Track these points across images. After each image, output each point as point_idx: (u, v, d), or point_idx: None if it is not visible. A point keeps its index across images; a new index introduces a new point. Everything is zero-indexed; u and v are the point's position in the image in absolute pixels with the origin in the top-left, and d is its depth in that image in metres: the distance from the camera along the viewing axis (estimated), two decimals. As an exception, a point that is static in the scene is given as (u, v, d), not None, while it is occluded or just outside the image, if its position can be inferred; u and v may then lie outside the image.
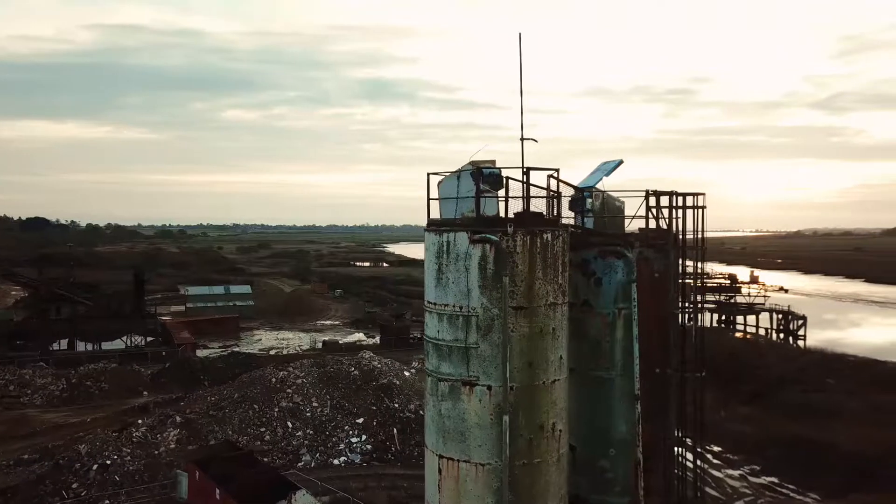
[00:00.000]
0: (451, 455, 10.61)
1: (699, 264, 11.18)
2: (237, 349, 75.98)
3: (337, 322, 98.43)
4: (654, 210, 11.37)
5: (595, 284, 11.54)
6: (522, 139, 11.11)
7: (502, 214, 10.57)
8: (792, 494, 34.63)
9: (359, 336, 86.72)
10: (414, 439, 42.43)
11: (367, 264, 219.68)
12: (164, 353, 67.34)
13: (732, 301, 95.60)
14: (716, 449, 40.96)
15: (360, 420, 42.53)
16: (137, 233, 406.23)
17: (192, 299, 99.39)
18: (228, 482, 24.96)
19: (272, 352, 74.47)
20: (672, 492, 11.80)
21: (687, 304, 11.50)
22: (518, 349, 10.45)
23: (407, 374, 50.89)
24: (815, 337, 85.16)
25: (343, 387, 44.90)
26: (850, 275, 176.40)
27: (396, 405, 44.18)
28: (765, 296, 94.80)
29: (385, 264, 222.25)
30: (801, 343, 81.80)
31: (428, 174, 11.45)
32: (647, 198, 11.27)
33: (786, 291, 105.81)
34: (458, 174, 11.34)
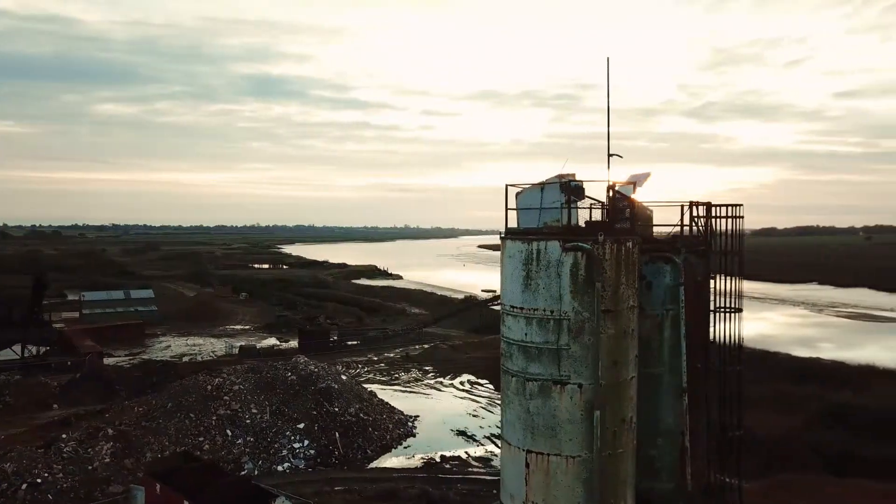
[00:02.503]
0: (541, 450, 11.33)
1: (737, 269, 12.39)
2: (146, 357, 72.64)
3: (247, 326, 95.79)
4: (696, 219, 12.49)
5: (646, 288, 12.56)
6: (609, 155, 12.01)
7: (578, 223, 11.43)
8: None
9: (273, 340, 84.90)
10: (356, 442, 42.52)
11: (266, 266, 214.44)
12: (69, 364, 63.31)
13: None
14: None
15: (302, 425, 42.07)
16: (6, 234, 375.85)
17: (89, 305, 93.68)
18: (198, 494, 24.23)
19: (185, 358, 71.71)
20: (708, 475, 13.00)
21: (724, 306, 12.70)
22: (605, 349, 11.35)
23: (344, 377, 50.74)
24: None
25: (281, 392, 44.20)
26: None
27: (337, 409, 44.03)
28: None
29: (285, 266, 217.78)
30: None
31: (506, 185, 12.14)
32: (690, 207, 12.39)
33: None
34: (541, 186, 12.07)
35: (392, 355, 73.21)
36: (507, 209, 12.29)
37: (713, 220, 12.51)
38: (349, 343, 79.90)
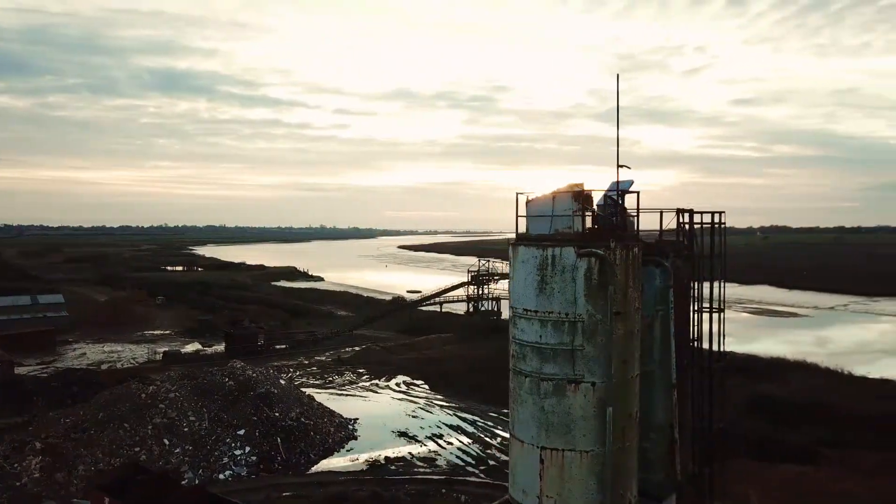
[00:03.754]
0: (556, 446, 11.88)
1: (720, 271, 13.35)
2: (59, 365, 68.89)
3: (167, 331, 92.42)
4: (683, 225, 13.37)
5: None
6: (618, 166, 12.68)
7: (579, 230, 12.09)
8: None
9: (196, 345, 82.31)
10: (299, 447, 42.04)
11: (180, 268, 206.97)
12: (-24, 374, 59.25)
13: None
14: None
15: (242, 431, 41.25)
16: None
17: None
18: (155, 506, 23.43)
19: (104, 366, 68.50)
20: (695, 463, 13.93)
21: (708, 306, 13.65)
22: (616, 349, 12.02)
23: (283, 381, 49.94)
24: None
25: (219, 398, 43.15)
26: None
27: (277, 414, 43.40)
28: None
29: (200, 268, 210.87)
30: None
31: (517, 194, 12.70)
32: (678, 214, 13.26)
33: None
34: (553, 195, 12.65)
35: (323, 358, 72.51)
36: (517, 216, 12.84)
37: (700, 225, 13.39)
38: (278, 347, 78.50)
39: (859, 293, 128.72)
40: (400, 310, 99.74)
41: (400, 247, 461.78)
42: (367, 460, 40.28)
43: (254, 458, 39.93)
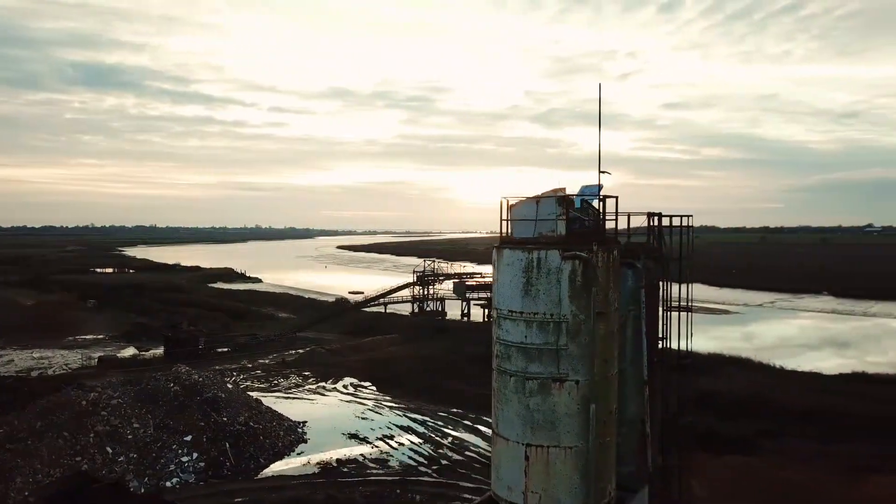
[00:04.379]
0: (541, 442, 12.21)
1: (688, 272, 13.98)
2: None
3: (100, 336, 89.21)
4: (654, 228, 13.93)
5: (612, 291, 13.80)
6: (600, 172, 13.07)
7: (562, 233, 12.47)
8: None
9: (133, 350, 79.76)
10: (248, 452, 41.35)
11: (110, 270, 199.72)
12: None
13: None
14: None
15: (189, 437, 40.29)
16: None
17: None
18: (107, 517, 22.77)
19: (34, 373, 65.65)
20: (663, 456, 14.52)
21: (677, 305, 14.25)
22: (598, 348, 12.42)
23: (230, 386, 48.98)
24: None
25: (165, 404, 42.03)
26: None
27: (225, 419, 42.58)
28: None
29: (131, 270, 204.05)
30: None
31: (501, 199, 12.99)
32: (649, 218, 13.81)
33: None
34: (537, 199, 12.96)
35: (267, 361, 71.38)
36: (501, 220, 13.12)
37: (669, 228, 13.98)
38: (219, 350, 76.85)
39: (785, 290, 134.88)
40: (344, 311, 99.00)
41: (339, 247, 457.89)
42: (318, 463, 39.98)
43: (202, 464, 39.07)
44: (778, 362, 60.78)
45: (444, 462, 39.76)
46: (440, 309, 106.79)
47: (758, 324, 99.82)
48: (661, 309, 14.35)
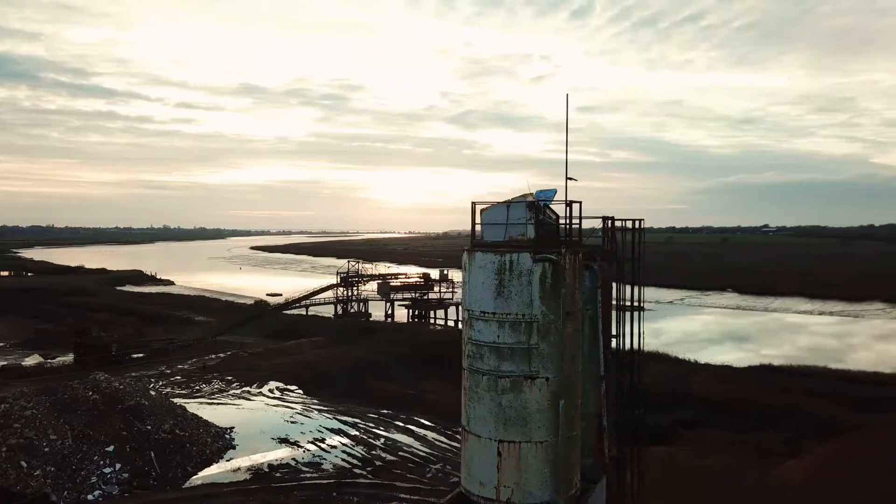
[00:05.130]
0: (513, 438, 12.65)
1: (640, 273, 14.81)
2: None
3: (1, 343, 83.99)
4: (609, 231, 14.69)
5: (570, 291, 14.42)
6: (567, 178, 13.58)
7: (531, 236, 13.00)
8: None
9: (38, 358, 75.45)
10: (174, 460, 40.08)
11: (6, 274, 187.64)
12: None
13: (425, 298, 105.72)
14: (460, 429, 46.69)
15: (111, 448, 38.68)
16: None
17: None
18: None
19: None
20: (618, 447, 15.32)
21: (629, 304, 15.05)
22: (566, 346, 12.96)
23: (153, 392, 47.21)
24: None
25: (84, 414, 40.16)
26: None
27: (149, 427, 41.13)
28: (452, 291, 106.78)
29: (30, 273, 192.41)
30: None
31: (473, 203, 13.34)
32: (604, 221, 14.55)
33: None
34: (507, 204, 13.40)
35: (186, 366, 69.12)
36: (473, 224, 13.53)
37: (622, 231, 14.78)
38: (134, 356, 73.81)
39: (693, 288, 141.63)
40: (265, 314, 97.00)
41: (253, 248, 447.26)
42: (249, 469, 39.20)
43: (125, 475, 37.58)
44: (691, 356, 64.05)
45: (378, 463, 39.83)
46: (364, 310, 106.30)
47: (669, 320, 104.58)
48: (614, 308, 15.11)
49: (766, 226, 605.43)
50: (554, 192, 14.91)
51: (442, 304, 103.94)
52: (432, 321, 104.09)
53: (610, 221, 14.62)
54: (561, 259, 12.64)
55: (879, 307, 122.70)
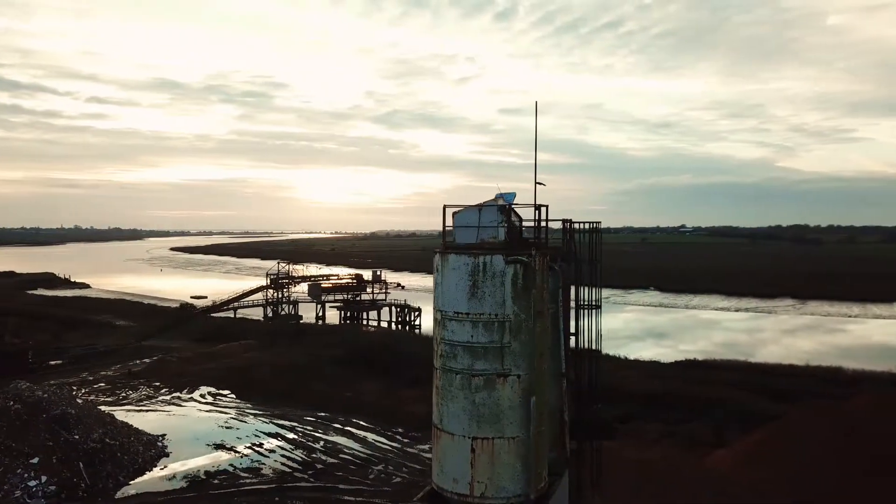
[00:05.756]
0: (487, 435, 12.96)
1: (598, 273, 15.45)
2: None
3: None
4: (568, 233, 15.25)
5: (534, 291, 14.86)
6: (536, 183, 13.98)
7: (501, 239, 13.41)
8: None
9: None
10: (105, 470, 38.61)
11: None
12: None
13: (358, 299, 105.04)
14: (400, 430, 46.80)
15: (36, 460, 36.93)
16: None
17: None
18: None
19: None
20: (578, 441, 15.92)
21: (588, 303, 15.66)
22: (537, 344, 13.40)
23: (80, 401, 45.22)
24: (428, 324, 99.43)
25: (5, 425, 38.16)
26: (431, 270, 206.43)
27: (77, 436, 39.46)
28: (385, 292, 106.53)
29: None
30: (416, 332, 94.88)
31: (444, 206, 13.64)
32: (564, 224, 15.11)
33: (403, 287, 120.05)
34: (479, 207, 13.71)
35: (111, 373, 66.44)
36: (444, 227, 13.81)
37: (580, 233, 15.38)
38: (52, 363, 70.38)
39: (617, 286, 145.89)
40: (192, 317, 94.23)
41: (173, 249, 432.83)
42: (185, 477, 38.18)
43: (52, 487, 35.96)
44: (621, 353, 66.23)
45: (319, 466, 39.53)
46: (294, 312, 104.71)
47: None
48: (574, 307, 15.69)
49: (683, 226, 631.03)
50: (513, 195, 15.37)
51: (375, 305, 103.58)
52: (365, 323, 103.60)
53: (569, 224, 15.20)
54: (532, 261, 13.10)
55: (789, 303, 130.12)
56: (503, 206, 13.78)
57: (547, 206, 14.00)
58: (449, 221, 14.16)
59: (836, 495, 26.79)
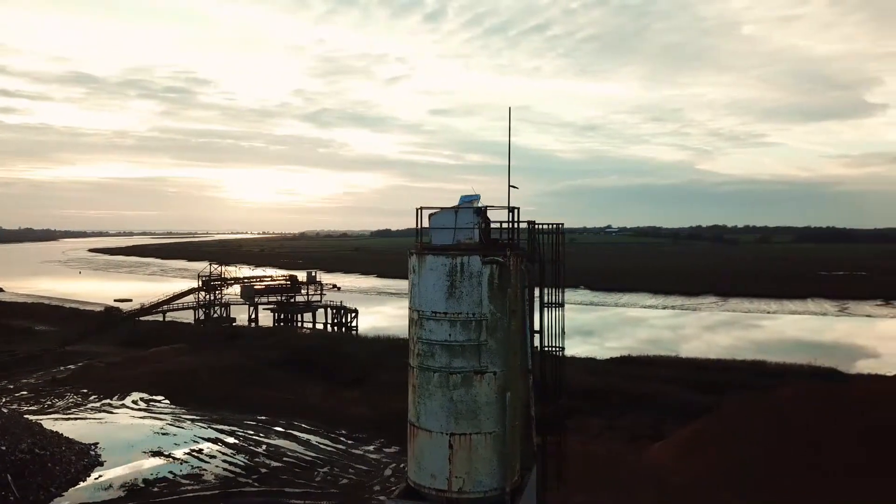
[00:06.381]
0: (464, 431, 13.24)
1: (561, 273, 15.99)
2: None
3: None
4: (534, 235, 15.70)
5: (502, 290, 15.21)
6: (510, 187, 14.31)
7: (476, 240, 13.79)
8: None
9: None
10: (35, 482, 36.91)
11: None
12: None
13: (292, 300, 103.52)
14: (343, 432, 46.62)
15: (-41, 473, 35.01)
16: None
17: None
18: None
19: None
20: (542, 436, 16.41)
21: (552, 302, 16.15)
22: (511, 342, 13.79)
23: (5, 410, 43.00)
24: (364, 326, 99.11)
25: (-77, 437, 35.99)
26: (364, 271, 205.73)
27: (4, 448, 37.64)
28: (321, 293, 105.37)
29: None
30: (354, 333, 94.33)
31: (417, 208, 13.94)
32: (529, 225, 15.56)
33: (339, 289, 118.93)
34: (455, 209, 13.97)
35: (33, 380, 63.39)
36: (420, 228, 14.08)
37: (542, 234, 15.88)
38: (-33, 371, 66.53)
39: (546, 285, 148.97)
40: (120, 321, 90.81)
41: (92, 250, 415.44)
42: (123, 486, 36.89)
43: (-22, 502, 34.22)
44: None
45: (263, 470, 38.93)
46: (226, 315, 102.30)
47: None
48: (538, 307, 16.18)
49: (609, 226, 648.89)
50: (478, 196, 15.77)
51: (310, 306, 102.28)
52: (300, 325, 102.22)
53: (534, 225, 15.66)
54: (507, 261, 13.52)
55: (713, 300, 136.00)
56: (479, 209, 14.17)
57: (518, 209, 14.46)
58: (424, 222, 14.41)
59: (772, 483, 28.38)
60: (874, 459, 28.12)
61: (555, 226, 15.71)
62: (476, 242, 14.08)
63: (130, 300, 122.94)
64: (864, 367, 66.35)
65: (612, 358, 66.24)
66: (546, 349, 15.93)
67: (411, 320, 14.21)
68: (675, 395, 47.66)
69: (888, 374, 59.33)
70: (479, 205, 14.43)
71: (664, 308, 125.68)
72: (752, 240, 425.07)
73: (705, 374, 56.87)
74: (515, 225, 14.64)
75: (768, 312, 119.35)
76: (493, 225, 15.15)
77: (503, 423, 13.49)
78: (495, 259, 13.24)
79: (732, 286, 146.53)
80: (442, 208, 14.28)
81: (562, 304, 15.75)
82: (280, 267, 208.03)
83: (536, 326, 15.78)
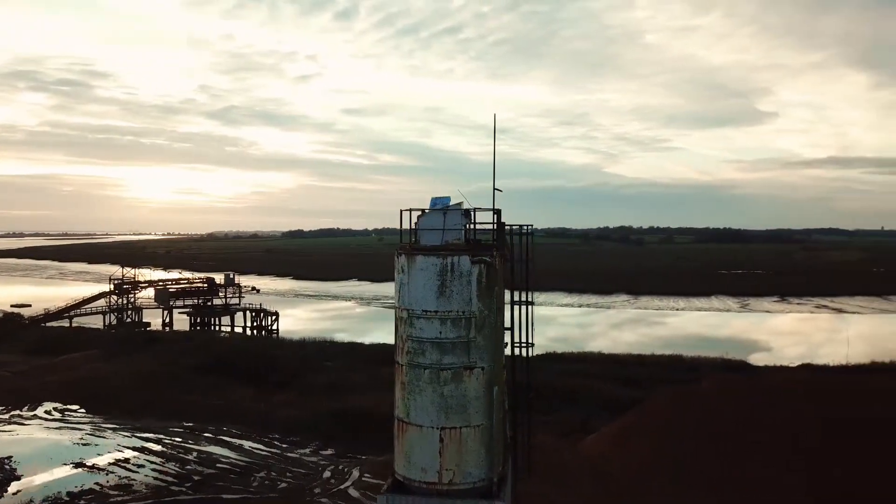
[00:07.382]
0: (455, 425, 13.65)
1: (531, 273, 16.69)
2: None
3: None
4: (508, 236, 16.31)
5: (479, 289, 15.67)
6: (494, 189, 14.77)
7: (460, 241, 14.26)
8: (359, 456, 42.13)
9: None
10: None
11: None
12: None
13: (210, 304, 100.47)
14: (276, 436, 45.99)
15: None
16: None
17: None
18: None
19: None
20: (513, 428, 17.06)
21: (522, 300, 16.78)
22: (496, 338, 14.32)
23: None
24: (285, 329, 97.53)
25: None
26: (280, 273, 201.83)
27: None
28: (239, 296, 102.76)
29: None
30: (275, 336, 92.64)
31: (401, 210, 14.33)
32: (498, 226, 16.15)
33: (258, 291, 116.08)
34: (444, 211, 14.34)
35: (-72, 393, 58.93)
36: (411, 229, 14.47)
37: (512, 235, 16.53)
38: None
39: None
40: (22, 328, 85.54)
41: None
42: (45, 500, 35.16)
43: None
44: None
45: (196, 478, 37.94)
46: (139, 319, 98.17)
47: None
48: (509, 304, 16.83)
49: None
50: (449, 199, 16.29)
51: (228, 310, 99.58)
52: (218, 328, 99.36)
53: (507, 226, 16.28)
54: (493, 261, 14.11)
55: (625, 298, 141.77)
56: (466, 211, 14.69)
57: (500, 210, 15.06)
58: (394, 223, 14.88)
59: (700, 473, 30.25)
60: (796, 448, 30.52)
61: (526, 227, 16.40)
62: (464, 243, 14.62)
63: (30, 305, 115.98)
64: (769, 359, 71.17)
65: (537, 355, 67.77)
66: (516, 345, 16.54)
67: (400, 319, 14.55)
68: (600, 390, 49.63)
69: (791, 365, 64.09)
70: (465, 206, 14.96)
71: (580, 306, 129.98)
72: (657, 240, 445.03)
73: (627, 368, 59.45)
74: (508, 227, 15.26)
75: (677, 309, 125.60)
76: (471, 226, 15.64)
77: (490, 416, 14.07)
78: (483, 259, 13.81)
79: (642, 284, 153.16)
80: (428, 210, 14.73)
81: (532, 302, 16.43)
82: (190, 269, 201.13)
83: (507, 323, 16.37)
